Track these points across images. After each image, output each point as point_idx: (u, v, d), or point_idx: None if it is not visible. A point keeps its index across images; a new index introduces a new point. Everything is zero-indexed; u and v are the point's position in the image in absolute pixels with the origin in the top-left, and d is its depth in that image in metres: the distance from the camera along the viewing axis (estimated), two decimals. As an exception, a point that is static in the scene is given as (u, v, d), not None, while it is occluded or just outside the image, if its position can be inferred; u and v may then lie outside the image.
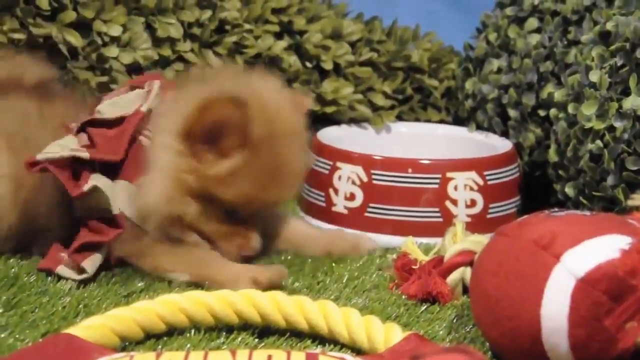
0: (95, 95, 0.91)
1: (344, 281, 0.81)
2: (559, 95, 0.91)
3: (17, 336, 0.67)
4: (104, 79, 0.98)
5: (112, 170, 0.80)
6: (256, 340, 0.68)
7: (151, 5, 1.01)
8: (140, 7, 1.01)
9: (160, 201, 0.79)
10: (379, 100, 1.12)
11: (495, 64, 1.05)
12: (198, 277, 0.79)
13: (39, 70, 0.89)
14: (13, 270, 0.79)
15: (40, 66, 0.89)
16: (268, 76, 0.85)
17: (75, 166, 0.79)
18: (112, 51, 0.98)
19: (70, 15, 0.96)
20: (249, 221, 0.83)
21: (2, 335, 0.67)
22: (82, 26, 0.97)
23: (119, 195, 0.80)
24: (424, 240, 0.90)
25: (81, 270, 0.78)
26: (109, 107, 0.82)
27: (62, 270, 0.78)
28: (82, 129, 0.82)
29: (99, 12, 0.98)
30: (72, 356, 0.59)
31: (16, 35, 0.91)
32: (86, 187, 0.78)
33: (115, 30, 0.99)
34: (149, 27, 1.02)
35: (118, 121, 0.81)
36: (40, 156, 0.78)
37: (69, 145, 0.79)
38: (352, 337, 0.66)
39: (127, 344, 0.66)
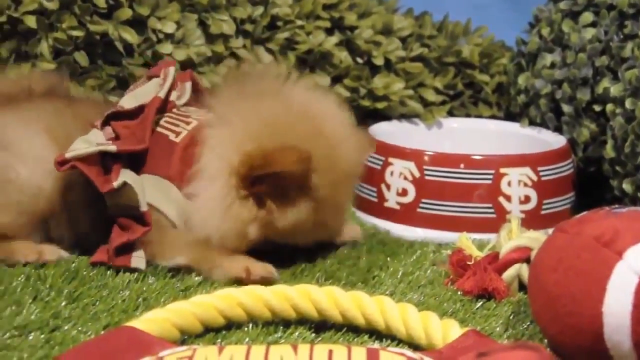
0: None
1: (399, 276, 0.81)
2: (615, 90, 0.90)
3: (79, 328, 0.68)
4: (159, 75, 0.99)
5: (137, 162, 0.80)
6: (313, 334, 0.69)
7: (204, 2, 1.02)
8: (194, 4, 1.02)
9: (216, 234, 0.78)
10: (430, 96, 1.11)
11: (548, 58, 1.04)
12: (195, 260, 0.79)
13: (44, 77, 0.89)
14: (74, 264, 0.81)
15: (44, 74, 0.89)
16: (335, 99, 0.84)
17: (105, 161, 0.79)
18: (167, 48, 1.00)
19: (126, 13, 0.97)
20: None
21: (66, 327, 0.68)
22: (138, 23, 0.98)
23: (146, 190, 0.80)
24: (477, 236, 0.89)
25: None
26: (129, 100, 0.83)
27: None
28: (105, 122, 0.82)
29: (154, 9, 0.99)
30: (135, 349, 0.60)
31: (74, 33, 0.92)
32: (116, 183, 0.78)
33: (170, 27, 1.00)
34: (202, 24, 1.03)
35: (138, 111, 0.82)
36: (68, 154, 0.78)
37: (94, 140, 0.80)
38: (409, 333, 0.66)
39: (186, 337, 0.67)
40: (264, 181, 0.77)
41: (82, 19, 0.93)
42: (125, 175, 0.79)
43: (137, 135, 0.81)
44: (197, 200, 0.79)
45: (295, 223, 0.79)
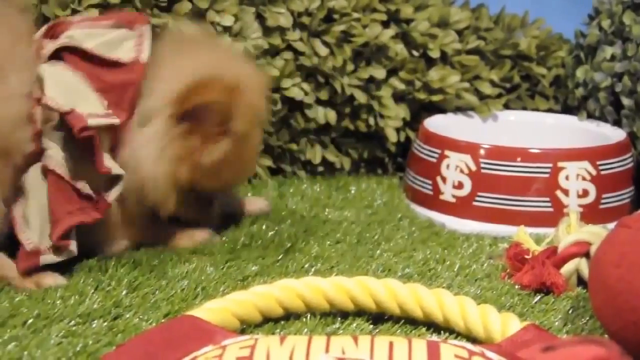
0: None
1: (455, 269, 0.81)
2: (677, 83, 0.89)
3: (140, 316, 0.70)
4: (216, 68, 1.00)
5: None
6: (371, 326, 0.69)
7: (262, -5, 1.03)
8: (252, -3, 1.03)
9: (150, 179, 0.80)
10: (486, 89, 1.11)
11: (608, 51, 1.02)
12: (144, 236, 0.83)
13: None
14: (132, 254, 0.82)
15: None
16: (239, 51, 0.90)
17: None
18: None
19: (185, 6, 0.98)
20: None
21: (127, 315, 0.70)
22: (196, 16, 0.99)
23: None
24: (533, 230, 0.88)
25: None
26: (90, 40, 0.78)
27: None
28: (56, 55, 0.77)
29: (213, 2, 1.00)
30: (197, 337, 0.61)
31: (135, 26, 0.94)
32: (114, 170, 0.76)
33: (228, 20, 1.00)
34: (259, 17, 1.03)
35: (114, 65, 0.78)
36: (92, 121, 0.74)
37: (99, 105, 0.77)
38: (468, 327, 0.66)
39: (245, 327, 0.68)
40: (192, 116, 0.79)
41: (143, 12, 0.95)
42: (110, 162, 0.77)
43: (118, 104, 0.78)
44: (134, 146, 0.79)
45: (218, 159, 0.80)
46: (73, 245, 0.77)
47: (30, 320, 0.68)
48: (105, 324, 0.68)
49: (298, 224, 0.93)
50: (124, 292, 0.74)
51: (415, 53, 1.09)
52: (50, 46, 0.79)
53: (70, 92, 0.76)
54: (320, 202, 1.00)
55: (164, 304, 0.72)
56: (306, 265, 0.82)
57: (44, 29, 0.82)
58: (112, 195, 0.78)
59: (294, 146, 1.08)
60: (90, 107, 0.76)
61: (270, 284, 0.71)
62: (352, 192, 1.04)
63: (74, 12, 0.92)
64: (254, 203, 0.95)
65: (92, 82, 0.78)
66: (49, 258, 0.76)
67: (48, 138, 0.76)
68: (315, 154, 1.09)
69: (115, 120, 0.77)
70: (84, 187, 0.77)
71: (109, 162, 0.77)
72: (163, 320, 0.69)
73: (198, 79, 0.78)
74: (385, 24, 1.09)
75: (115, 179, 0.77)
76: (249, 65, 0.88)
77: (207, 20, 1.00)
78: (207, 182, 0.83)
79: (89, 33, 0.80)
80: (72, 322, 0.68)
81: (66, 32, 0.80)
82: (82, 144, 0.75)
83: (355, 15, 1.07)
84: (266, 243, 0.87)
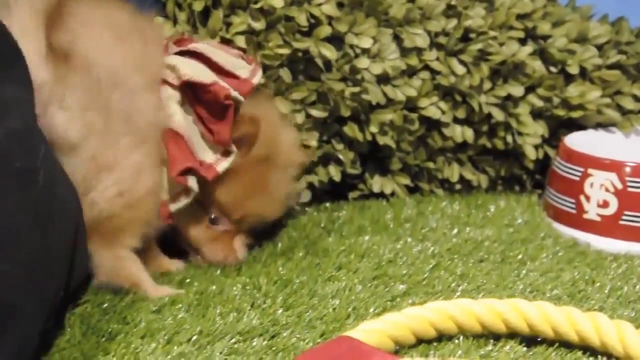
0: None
1: (607, 291, 0.80)
2: None
3: (297, 336, 0.72)
4: (356, 89, 1.02)
5: None
6: (525, 349, 0.70)
7: (399, 16, 1.04)
8: (389, 19, 1.05)
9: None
10: (628, 104, 1.09)
11: None
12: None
13: None
14: (282, 271, 0.85)
15: None
16: (275, 105, 0.96)
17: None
18: (363, 62, 1.02)
19: (325, 30, 1.00)
20: (239, 231, 0.90)
21: (285, 334, 0.73)
22: (336, 40, 1.02)
23: None
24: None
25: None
26: (213, 54, 0.87)
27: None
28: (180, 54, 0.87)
29: (351, 25, 1.02)
30: (355, 358, 0.63)
31: (280, 51, 0.97)
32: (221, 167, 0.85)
33: (366, 42, 1.02)
34: (397, 38, 1.05)
35: (229, 75, 0.86)
36: (233, 92, 0.84)
37: (225, 83, 0.85)
38: (627, 352, 0.65)
39: (398, 348, 0.70)
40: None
41: (287, 37, 0.98)
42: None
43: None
44: None
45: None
46: (191, 181, 0.83)
47: (194, 337, 0.71)
48: (265, 342, 0.71)
49: (440, 242, 0.94)
50: (280, 311, 0.77)
51: (554, 69, 1.09)
52: (175, 48, 0.88)
53: (205, 72, 0.85)
54: (460, 220, 1.01)
55: (318, 323, 0.75)
56: (452, 284, 0.83)
57: (172, 38, 0.91)
58: (222, 166, 0.85)
59: (431, 164, 1.10)
60: (225, 85, 0.85)
61: (422, 305, 0.72)
62: (492, 210, 1.05)
63: (223, 39, 0.97)
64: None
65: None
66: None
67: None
68: (452, 172, 1.10)
69: (241, 98, 0.85)
70: (196, 152, 0.84)
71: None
72: (319, 340, 0.71)
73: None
74: (523, 41, 1.09)
75: (226, 153, 0.85)
76: (284, 122, 0.95)
77: (346, 43, 1.02)
78: (218, 195, 0.87)
79: (213, 50, 0.88)
80: (234, 340, 0.71)
81: (192, 44, 0.88)
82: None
83: (492, 33, 1.07)
84: (411, 260, 0.88)
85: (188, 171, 0.83)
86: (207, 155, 0.85)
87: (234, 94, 0.85)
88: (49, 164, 0.70)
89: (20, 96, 0.68)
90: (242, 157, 0.86)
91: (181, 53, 0.87)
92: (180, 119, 0.84)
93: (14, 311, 0.60)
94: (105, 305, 0.77)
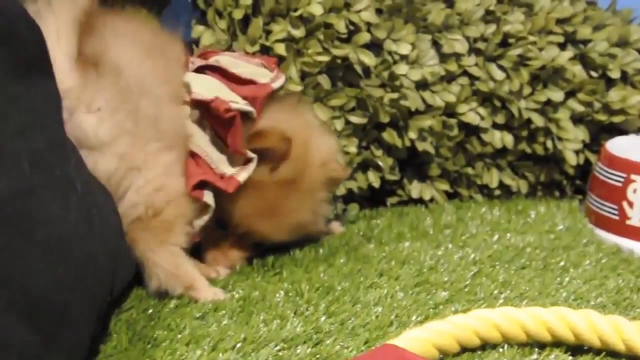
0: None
1: (653, 300, 0.80)
2: None
3: (341, 343, 0.72)
4: (395, 95, 1.02)
5: None
6: (570, 357, 0.69)
7: (438, 22, 1.04)
8: (428, 25, 1.05)
9: None
10: (671, 108, 1.08)
11: None
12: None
13: None
14: (324, 278, 0.86)
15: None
16: (314, 115, 0.94)
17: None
18: (402, 69, 1.03)
19: (364, 37, 1.01)
20: (240, 242, 0.89)
21: (328, 342, 0.73)
22: (374, 46, 1.02)
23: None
24: None
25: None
26: (234, 65, 0.88)
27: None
28: (200, 71, 0.87)
29: (390, 32, 1.02)
30: (401, 367, 0.63)
31: (319, 58, 0.97)
32: (242, 177, 0.85)
33: (405, 49, 1.03)
34: (435, 44, 1.05)
35: (248, 82, 0.88)
36: (234, 105, 0.84)
37: (237, 97, 0.85)
38: (675, 361, 0.65)
39: (442, 356, 0.70)
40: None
41: (326, 44, 0.98)
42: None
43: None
44: None
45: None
46: (207, 196, 0.83)
47: (238, 344, 0.72)
48: (309, 350, 0.71)
49: (481, 248, 0.93)
50: (323, 318, 0.77)
51: (594, 74, 1.08)
52: (197, 62, 0.89)
53: (212, 88, 0.86)
54: (501, 227, 1.01)
55: (362, 330, 0.75)
56: (495, 292, 0.82)
57: (197, 52, 0.92)
58: (243, 176, 0.85)
59: (470, 170, 1.09)
60: (230, 97, 0.85)
61: (466, 313, 0.72)
62: (532, 216, 1.04)
63: (262, 47, 0.97)
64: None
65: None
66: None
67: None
68: (491, 177, 1.10)
69: (252, 110, 0.85)
70: (217, 167, 0.85)
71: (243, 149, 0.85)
72: (363, 348, 0.71)
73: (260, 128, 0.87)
74: (562, 46, 1.08)
75: (247, 161, 0.85)
76: (321, 131, 0.94)
77: (385, 49, 1.02)
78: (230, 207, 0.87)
79: (234, 61, 0.89)
80: (278, 347, 0.72)
81: (215, 56, 0.89)
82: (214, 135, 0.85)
83: (532, 38, 1.07)
84: (452, 267, 0.88)
85: (203, 185, 0.84)
86: (228, 168, 0.85)
87: (238, 105, 0.84)
88: (82, 172, 0.71)
89: (54, 105, 0.68)
90: (268, 173, 0.86)
91: (201, 68, 0.88)
92: (199, 138, 0.85)
93: (68, 315, 0.60)
94: (150, 311, 0.78)
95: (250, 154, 0.85)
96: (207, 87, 0.86)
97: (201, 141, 0.85)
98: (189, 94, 0.85)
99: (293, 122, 0.89)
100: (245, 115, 0.85)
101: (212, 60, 0.89)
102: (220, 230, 0.89)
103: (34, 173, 0.60)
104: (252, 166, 0.85)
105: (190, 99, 0.85)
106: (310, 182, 0.90)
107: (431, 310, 0.79)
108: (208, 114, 0.85)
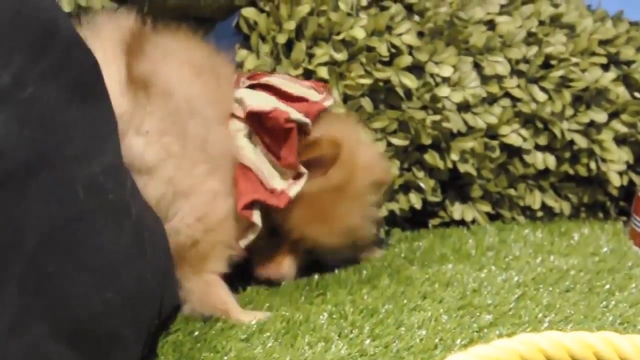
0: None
1: (701, 324, 0.79)
2: None
3: (386, 366, 0.73)
4: (437, 117, 1.03)
5: None
6: (617, 383, 0.69)
7: (480, 45, 1.05)
8: (469, 48, 1.05)
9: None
10: None
11: None
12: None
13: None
14: (367, 300, 0.86)
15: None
16: (359, 128, 0.95)
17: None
18: (444, 91, 1.03)
19: (406, 60, 1.02)
20: (292, 249, 0.90)
21: (373, 365, 0.73)
22: (416, 69, 1.03)
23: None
24: None
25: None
26: (284, 86, 0.89)
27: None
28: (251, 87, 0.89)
29: (432, 54, 1.03)
30: (447, 391, 0.63)
31: (362, 81, 0.98)
32: (293, 191, 0.87)
33: (447, 71, 1.03)
34: (477, 66, 1.05)
35: (299, 99, 0.89)
36: (295, 116, 0.85)
37: (292, 110, 0.86)
38: None
39: (488, 379, 0.69)
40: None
41: (368, 67, 0.99)
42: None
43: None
44: None
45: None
46: (256, 216, 0.84)
47: (284, 367, 0.73)
48: (354, 373, 0.72)
49: (524, 270, 0.93)
50: (367, 341, 0.77)
51: (638, 95, 1.08)
52: (247, 82, 0.90)
53: (268, 101, 0.87)
54: (544, 249, 1.00)
55: (406, 354, 0.75)
56: (539, 315, 0.82)
57: (246, 74, 0.94)
58: (294, 190, 0.86)
59: (512, 192, 1.09)
60: (287, 109, 0.87)
61: (511, 337, 0.72)
62: (576, 238, 1.03)
63: (305, 70, 0.99)
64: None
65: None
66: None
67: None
68: (534, 199, 1.09)
69: (309, 121, 0.87)
70: (268, 182, 0.85)
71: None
72: (409, 371, 0.72)
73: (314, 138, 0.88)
74: (605, 67, 1.08)
75: (298, 176, 0.87)
76: (367, 139, 0.96)
77: (426, 71, 1.03)
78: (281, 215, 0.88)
79: (285, 82, 0.91)
80: (323, 370, 0.72)
81: (265, 77, 0.91)
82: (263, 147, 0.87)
83: (574, 60, 1.07)
84: (495, 289, 0.88)
85: (254, 204, 0.85)
86: (279, 183, 0.86)
87: (297, 116, 0.86)
88: (137, 196, 0.72)
89: (110, 128, 0.70)
90: (319, 179, 0.88)
91: (252, 86, 0.90)
92: (249, 151, 0.86)
93: (117, 339, 0.62)
94: (196, 333, 0.79)
95: (302, 169, 0.86)
96: (263, 101, 0.87)
97: (253, 155, 0.86)
98: (243, 108, 0.86)
99: (341, 130, 0.91)
100: (299, 129, 0.87)
101: (263, 80, 0.91)
102: (273, 237, 0.90)
103: (88, 198, 0.61)
104: (302, 181, 0.87)
105: (243, 113, 0.86)
106: (357, 186, 0.91)
107: (475, 333, 0.79)
108: (261, 128, 0.86)
